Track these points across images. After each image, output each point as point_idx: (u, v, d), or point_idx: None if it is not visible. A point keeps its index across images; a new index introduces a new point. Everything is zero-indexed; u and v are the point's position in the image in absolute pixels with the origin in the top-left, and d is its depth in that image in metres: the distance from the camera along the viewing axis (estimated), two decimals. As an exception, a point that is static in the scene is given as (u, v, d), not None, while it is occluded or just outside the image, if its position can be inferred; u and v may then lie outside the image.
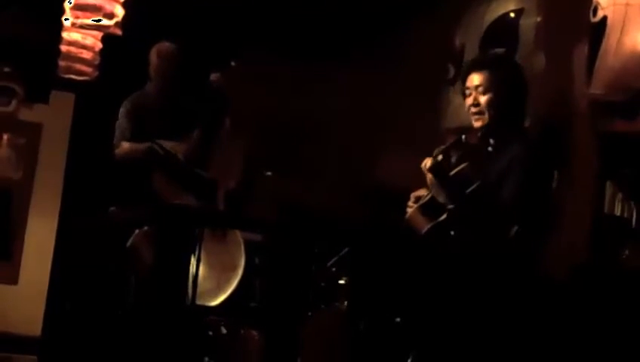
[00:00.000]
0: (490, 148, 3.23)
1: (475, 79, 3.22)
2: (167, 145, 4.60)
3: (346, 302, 4.00)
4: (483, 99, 3.19)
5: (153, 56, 4.73)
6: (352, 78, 5.38)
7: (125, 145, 4.64)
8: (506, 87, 3.21)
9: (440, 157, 3.07)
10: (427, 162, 3.10)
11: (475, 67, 3.28)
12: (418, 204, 3.16)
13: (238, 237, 4.65)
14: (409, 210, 3.23)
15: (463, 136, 3.20)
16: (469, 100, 3.24)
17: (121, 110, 4.72)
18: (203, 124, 4.70)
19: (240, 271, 4.57)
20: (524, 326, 2.97)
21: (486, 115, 3.20)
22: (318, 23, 5.49)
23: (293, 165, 5.46)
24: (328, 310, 4.07)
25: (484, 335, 2.96)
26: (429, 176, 3.08)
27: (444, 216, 3.07)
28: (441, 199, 3.06)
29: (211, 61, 4.91)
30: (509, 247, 2.96)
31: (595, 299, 3.13)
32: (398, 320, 3.28)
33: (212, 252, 4.48)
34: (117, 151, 4.67)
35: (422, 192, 3.22)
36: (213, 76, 4.65)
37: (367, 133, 5.27)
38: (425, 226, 3.12)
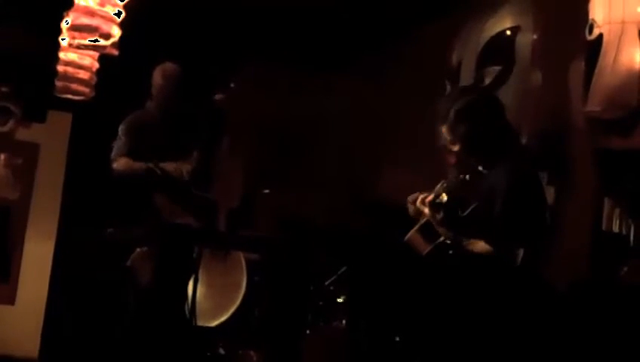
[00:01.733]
0: (480, 168, 3.25)
1: (443, 133, 3.30)
2: (170, 166, 4.60)
3: (344, 321, 3.99)
4: (455, 148, 3.26)
5: (157, 76, 4.73)
6: (352, 92, 5.40)
7: (123, 160, 4.64)
8: (467, 131, 3.23)
9: (445, 198, 3.06)
10: (428, 197, 3.10)
11: (440, 120, 3.33)
12: (417, 226, 3.15)
13: (241, 257, 4.65)
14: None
15: (467, 176, 3.23)
16: (449, 146, 3.32)
17: (121, 127, 4.72)
18: (203, 144, 4.70)
19: (242, 292, 4.56)
20: (525, 340, 2.97)
21: (466, 156, 3.27)
22: (317, 37, 5.51)
23: (293, 180, 5.47)
24: (327, 329, 4.06)
25: (485, 352, 2.95)
26: (427, 210, 3.08)
27: (441, 239, 3.07)
28: (441, 232, 3.07)
29: (211, 80, 4.92)
30: (511, 272, 2.96)
31: (594, 314, 3.13)
32: (397, 339, 3.27)
33: (213, 272, 4.47)
34: (115, 165, 4.65)
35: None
36: (217, 97, 4.66)
37: (365, 151, 5.28)
38: (425, 248, 3.13)
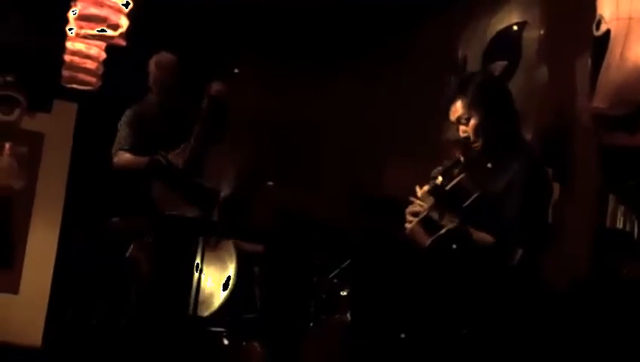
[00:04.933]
0: (489, 165, 3.20)
1: (456, 111, 3.17)
2: (170, 155, 4.59)
3: (347, 314, 4.00)
4: (469, 127, 3.14)
5: (152, 66, 4.71)
6: (352, 88, 5.40)
7: (125, 155, 4.61)
8: (488, 106, 3.13)
9: (439, 179, 3.03)
10: (425, 188, 3.07)
11: (452, 98, 3.21)
12: (418, 218, 3.12)
13: (231, 245, 4.60)
14: (408, 226, 3.19)
15: (462, 158, 3.17)
16: (460, 133, 3.19)
17: (122, 119, 4.71)
18: (199, 132, 4.66)
19: (231, 281, 4.49)
20: (527, 338, 2.97)
21: (479, 141, 3.15)
22: (317, 33, 5.51)
23: (294, 175, 5.47)
24: (329, 322, 4.07)
25: (487, 348, 2.95)
26: (430, 198, 3.04)
27: (444, 230, 3.04)
28: (442, 220, 3.03)
29: (211, 71, 4.91)
30: (512, 269, 2.94)
31: (596, 311, 3.13)
32: (402, 335, 3.27)
33: (204, 260, 4.45)
34: (115, 160, 4.62)
35: (416, 208, 3.17)
36: (215, 85, 4.64)
37: (368, 144, 5.28)
38: (426, 240, 3.09)
